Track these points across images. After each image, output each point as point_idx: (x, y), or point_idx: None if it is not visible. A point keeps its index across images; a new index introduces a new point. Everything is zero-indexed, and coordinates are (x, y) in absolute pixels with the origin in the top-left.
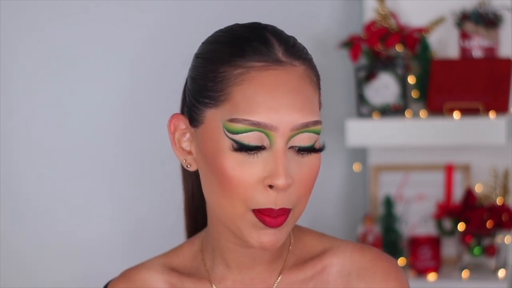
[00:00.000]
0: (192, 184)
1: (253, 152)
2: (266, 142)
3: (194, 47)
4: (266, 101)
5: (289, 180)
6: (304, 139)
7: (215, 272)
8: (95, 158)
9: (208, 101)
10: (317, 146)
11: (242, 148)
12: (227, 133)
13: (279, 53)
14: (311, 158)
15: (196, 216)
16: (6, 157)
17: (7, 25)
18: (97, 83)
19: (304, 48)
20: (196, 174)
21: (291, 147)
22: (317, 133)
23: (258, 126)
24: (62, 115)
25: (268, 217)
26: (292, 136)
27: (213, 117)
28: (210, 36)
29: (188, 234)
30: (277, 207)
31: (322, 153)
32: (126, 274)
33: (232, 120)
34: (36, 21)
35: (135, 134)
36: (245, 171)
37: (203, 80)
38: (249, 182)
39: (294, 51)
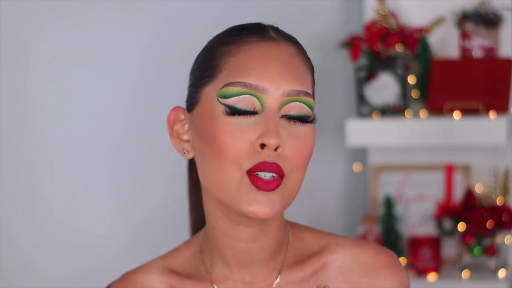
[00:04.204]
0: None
1: (245, 116)
2: (257, 107)
3: (194, 47)
4: (258, 67)
5: (279, 140)
6: (295, 108)
7: (215, 272)
8: (98, 158)
9: (205, 80)
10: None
11: (234, 111)
12: (220, 99)
13: (272, 33)
14: (304, 129)
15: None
16: (7, 156)
17: (8, 26)
18: (98, 83)
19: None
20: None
21: (283, 116)
22: (309, 106)
23: (250, 88)
24: (64, 116)
25: (261, 180)
26: (284, 103)
27: (209, 92)
28: None
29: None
30: (270, 161)
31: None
32: (127, 277)
33: (225, 86)
34: (37, 22)
35: (138, 134)
36: (238, 135)
37: (201, 66)
38: (242, 145)
39: (286, 34)
